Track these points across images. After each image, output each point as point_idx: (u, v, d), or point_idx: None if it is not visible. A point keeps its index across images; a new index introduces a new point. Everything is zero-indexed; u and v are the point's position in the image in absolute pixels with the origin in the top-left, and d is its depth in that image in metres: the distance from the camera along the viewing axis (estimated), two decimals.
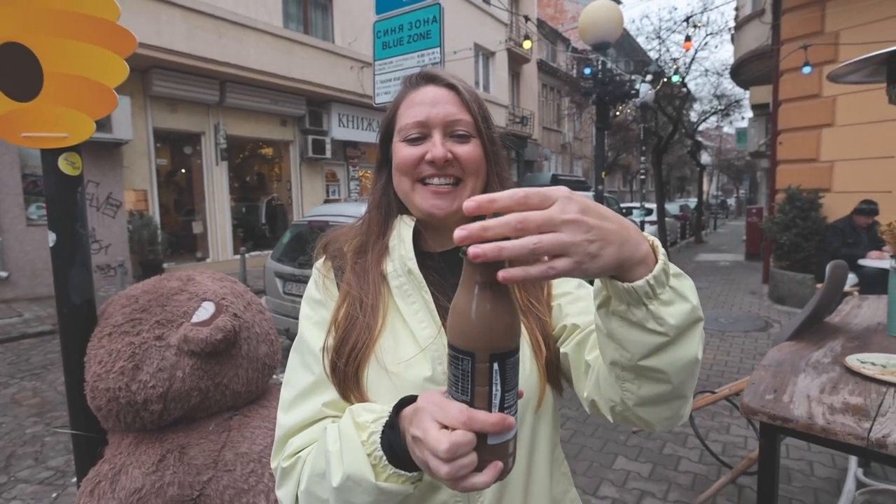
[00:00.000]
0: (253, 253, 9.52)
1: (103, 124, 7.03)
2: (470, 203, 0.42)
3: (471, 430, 0.44)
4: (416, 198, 0.70)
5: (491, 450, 0.44)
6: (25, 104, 1.18)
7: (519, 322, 0.47)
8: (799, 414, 1.23)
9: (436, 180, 0.69)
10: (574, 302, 0.72)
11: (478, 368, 0.44)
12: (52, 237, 1.26)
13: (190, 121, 8.91)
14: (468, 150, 0.70)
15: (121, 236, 7.87)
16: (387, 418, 0.55)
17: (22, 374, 4.40)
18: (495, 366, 0.44)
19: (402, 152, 0.70)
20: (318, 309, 0.72)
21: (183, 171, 9.93)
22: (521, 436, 0.65)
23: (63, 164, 1.23)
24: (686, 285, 0.50)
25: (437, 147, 0.67)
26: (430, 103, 0.69)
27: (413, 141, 0.70)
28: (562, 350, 0.69)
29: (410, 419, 0.50)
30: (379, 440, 0.54)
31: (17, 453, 2.98)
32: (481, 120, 0.71)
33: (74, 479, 2.12)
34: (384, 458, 0.53)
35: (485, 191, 0.72)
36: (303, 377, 0.68)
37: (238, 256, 8.43)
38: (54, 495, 2.55)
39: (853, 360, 1.54)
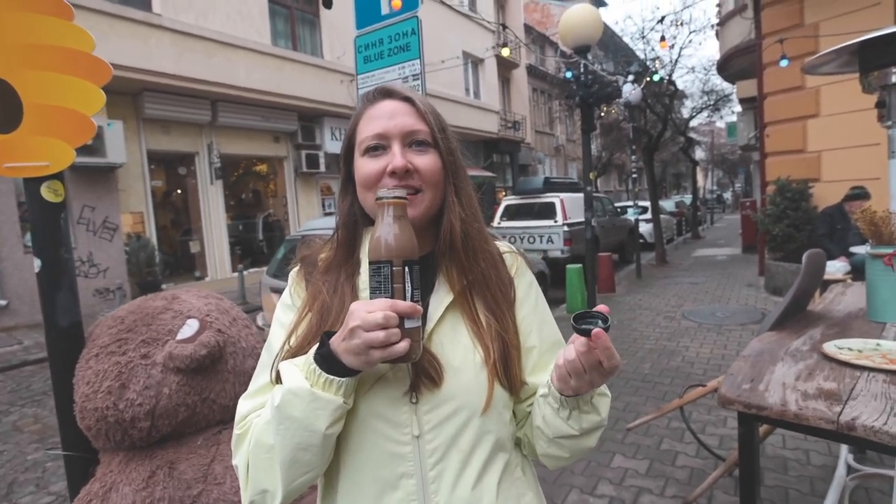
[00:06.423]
0: (251, 269, 9.56)
1: (97, 149, 7.07)
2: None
3: (394, 313, 0.58)
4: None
5: (407, 332, 0.60)
6: (6, 136, 1.22)
7: (416, 242, 0.63)
8: (773, 401, 1.25)
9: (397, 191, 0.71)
10: (531, 320, 0.78)
11: (395, 272, 0.61)
12: (37, 263, 1.29)
13: (183, 141, 8.99)
14: (427, 162, 0.72)
15: (118, 259, 7.91)
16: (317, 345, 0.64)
17: (23, 401, 4.41)
18: (406, 269, 0.61)
19: (364, 168, 0.72)
20: (287, 313, 0.76)
21: (178, 191, 9.99)
22: (464, 437, 0.68)
23: (45, 192, 1.27)
24: (603, 402, 0.69)
25: (396, 157, 0.69)
26: (387, 116, 0.72)
27: (373, 152, 0.72)
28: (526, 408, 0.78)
29: (342, 333, 0.60)
30: (313, 359, 0.63)
31: (19, 480, 2.99)
32: (438, 130, 0.73)
33: None
34: (317, 369, 0.62)
35: (443, 202, 0.74)
36: (263, 375, 0.74)
37: (236, 274, 8.47)
38: None
39: (830, 347, 1.57)
